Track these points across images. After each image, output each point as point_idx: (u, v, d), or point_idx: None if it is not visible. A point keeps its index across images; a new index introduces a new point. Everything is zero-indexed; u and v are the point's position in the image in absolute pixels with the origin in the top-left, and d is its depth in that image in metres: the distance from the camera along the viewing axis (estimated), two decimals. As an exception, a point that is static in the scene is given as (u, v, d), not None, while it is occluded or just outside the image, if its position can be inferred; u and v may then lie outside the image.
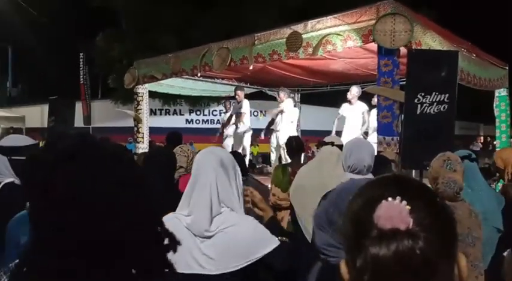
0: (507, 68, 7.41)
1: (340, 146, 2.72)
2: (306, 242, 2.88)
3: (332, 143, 3.08)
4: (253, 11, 13.21)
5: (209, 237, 1.57)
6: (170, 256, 0.80)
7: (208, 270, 1.55)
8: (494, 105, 7.49)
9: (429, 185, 2.31)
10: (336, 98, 9.19)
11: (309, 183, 2.87)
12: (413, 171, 4.90)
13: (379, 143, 4.38)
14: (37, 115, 14.90)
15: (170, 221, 1.63)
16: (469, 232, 2.24)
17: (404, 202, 0.60)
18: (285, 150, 4.22)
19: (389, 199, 0.61)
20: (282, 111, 7.25)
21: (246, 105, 7.78)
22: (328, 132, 7.09)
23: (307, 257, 2.77)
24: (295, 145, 3.81)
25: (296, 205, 3.08)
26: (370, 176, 2.23)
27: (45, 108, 10.67)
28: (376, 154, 2.75)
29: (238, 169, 1.68)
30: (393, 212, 0.59)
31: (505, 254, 2.45)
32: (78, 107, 13.84)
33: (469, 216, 2.26)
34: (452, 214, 0.65)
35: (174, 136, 5.21)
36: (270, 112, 7.72)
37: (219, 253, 1.55)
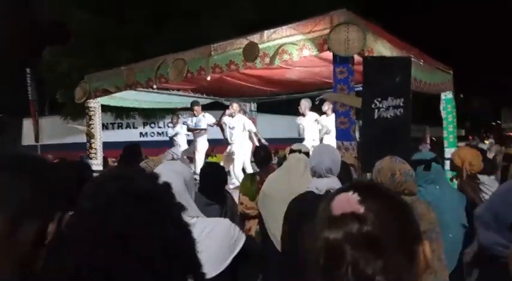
0: (451, 72, 7.86)
1: (308, 154, 2.76)
2: (274, 250, 2.87)
3: (299, 151, 3.11)
4: (207, 24, 13.20)
5: None
6: None
7: None
8: (441, 107, 7.89)
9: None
10: (293, 107, 9.34)
11: (276, 191, 2.88)
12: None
13: (338, 148, 4.45)
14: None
15: None
16: (432, 227, 2.33)
17: (355, 194, 0.70)
18: (253, 159, 4.25)
19: (343, 192, 0.72)
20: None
21: (205, 121, 7.90)
22: (286, 140, 7.35)
23: (276, 265, 2.77)
24: (263, 154, 3.82)
25: (264, 213, 3.07)
26: (332, 178, 2.28)
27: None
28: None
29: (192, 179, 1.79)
30: (343, 201, 0.70)
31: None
32: (28, 123, 13.21)
33: (428, 212, 2.35)
34: (404, 203, 0.75)
35: (132, 150, 5.01)
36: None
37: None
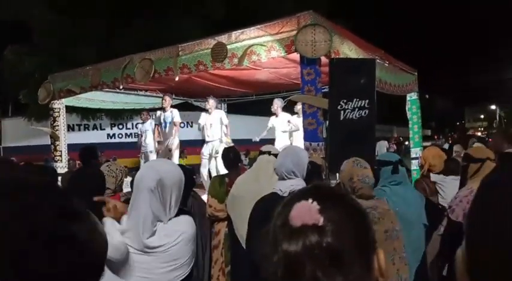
0: (416, 73, 8.07)
1: (277, 155, 2.77)
2: (243, 251, 2.87)
3: (269, 152, 3.11)
4: (177, 23, 13.04)
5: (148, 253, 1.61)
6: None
7: None
8: (407, 108, 8.09)
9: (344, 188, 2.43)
10: (262, 107, 9.37)
11: (245, 192, 2.86)
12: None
13: (306, 149, 4.50)
14: None
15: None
16: (393, 226, 2.38)
17: (315, 203, 0.67)
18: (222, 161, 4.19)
19: (302, 201, 0.68)
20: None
21: (177, 113, 7.72)
22: (255, 142, 7.36)
23: (245, 267, 2.76)
24: (232, 156, 3.79)
25: (233, 215, 3.06)
26: (297, 180, 2.29)
27: None
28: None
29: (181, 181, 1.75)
30: (303, 211, 0.67)
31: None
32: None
33: (389, 211, 2.40)
34: (362, 212, 0.73)
35: (88, 152, 4.91)
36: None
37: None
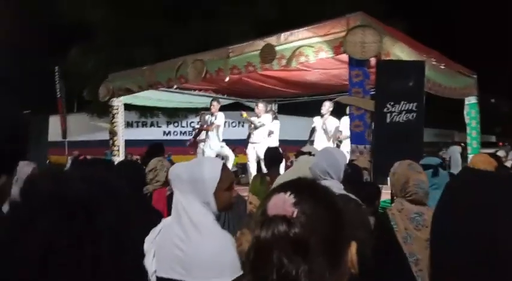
0: (475, 76, 7.67)
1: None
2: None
3: (309, 153, 3.13)
4: (226, 23, 13.30)
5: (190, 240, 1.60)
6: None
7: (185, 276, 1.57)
8: (465, 112, 7.73)
9: (393, 192, 2.38)
10: (313, 108, 9.31)
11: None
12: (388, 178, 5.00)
13: (352, 151, 4.46)
14: (10, 130, 14.53)
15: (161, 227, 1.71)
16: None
17: (291, 196, 0.73)
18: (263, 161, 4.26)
19: (281, 193, 0.74)
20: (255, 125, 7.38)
21: (220, 117, 7.77)
22: (307, 142, 7.30)
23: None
24: (273, 156, 3.85)
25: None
26: (331, 181, 2.29)
27: (19, 123, 10.45)
28: (347, 162, 2.81)
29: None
30: (278, 203, 0.72)
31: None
32: (56, 121, 13.61)
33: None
34: (339, 207, 0.77)
35: (156, 148, 5.18)
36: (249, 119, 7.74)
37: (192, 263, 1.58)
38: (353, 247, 0.76)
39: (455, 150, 14.21)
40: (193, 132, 8.57)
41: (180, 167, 1.73)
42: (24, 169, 2.48)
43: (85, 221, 0.62)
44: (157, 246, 1.68)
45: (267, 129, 7.49)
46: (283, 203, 0.72)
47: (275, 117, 8.01)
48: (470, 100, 7.65)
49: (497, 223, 0.63)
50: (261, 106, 7.49)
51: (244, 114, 7.57)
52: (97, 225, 0.63)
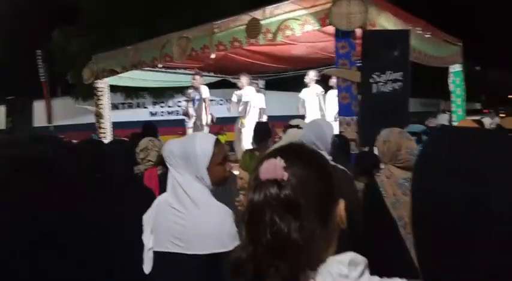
0: (460, 44, 7.71)
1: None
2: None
3: (297, 126, 3.15)
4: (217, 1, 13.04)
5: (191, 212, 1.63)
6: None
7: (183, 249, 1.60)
8: (449, 80, 7.80)
9: (382, 159, 2.43)
10: (300, 83, 9.30)
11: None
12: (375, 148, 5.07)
13: (340, 123, 4.50)
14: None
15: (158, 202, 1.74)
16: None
17: (282, 160, 0.77)
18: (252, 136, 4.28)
19: (272, 158, 0.78)
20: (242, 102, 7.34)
21: (205, 90, 7.70)
22: (294, 117, 7.30)
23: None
24: (262, 130, 3.86)
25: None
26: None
27: (2, 109, 10.31)
28: (336, 133, 2.84)
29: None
30: (270, 167, 0.76)
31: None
32: (41, 105, 13.38)
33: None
34: (327, 168, 0.83)
35: (149, 129, 5.16)
36: (231, 106, 7.71)
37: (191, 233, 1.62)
38: (341, 204, 0.81)
39: (443, 118, 14.34)
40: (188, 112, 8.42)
41: (173, 144, 1.75)
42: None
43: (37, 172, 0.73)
44: (154, 223, 1.71)
45: (257, 110, 7.44)
46: (274, 168, 0.76)
47: (258, 91, 7.98)
48: (455, 68, 7.72)
49: (487, 182, 0.63)
50: (244, 79, 7.44)
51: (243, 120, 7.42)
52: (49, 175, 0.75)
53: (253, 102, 7.37)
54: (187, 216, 1.62)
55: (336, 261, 0.74)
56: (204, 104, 7.65)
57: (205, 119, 7.68)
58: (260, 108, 7.50)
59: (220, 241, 1.56)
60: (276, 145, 3.43)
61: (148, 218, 1.73)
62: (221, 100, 13.42)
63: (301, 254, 0.71)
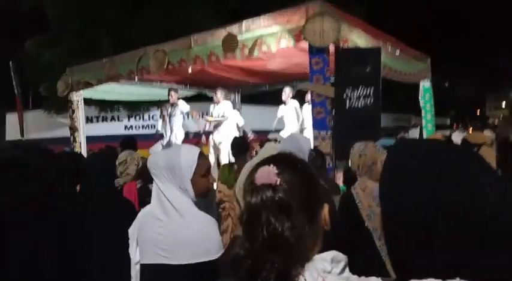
0: (429, 60, 8.02)
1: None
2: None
3: (275, 140, 3.21)
4: (188, 8, 13.11)
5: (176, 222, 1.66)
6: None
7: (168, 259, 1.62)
8: (420, 96, 8.07)
9: (356, 171, 2.52)
10: (276, 97, 9.43)
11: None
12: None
13: (315, 137, 4.59)
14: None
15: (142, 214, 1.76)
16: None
17: (274, 168, 0.89)
18: (230, 150, 4.33)
19: (266, 166, 0.90)
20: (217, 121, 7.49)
21: (184, 104, 7.86)
22: (270, 131, 7.47)
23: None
24: (240, 144, 3.92)
25: (242, 201, 3.18)
26: None
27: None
28: (312, 147, 2.92)
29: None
30: (264, 173, 0.88)
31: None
32: (13, 118, 13.02)
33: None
34: (313, 176, 0.94)
35: (129, 142, 5.15)
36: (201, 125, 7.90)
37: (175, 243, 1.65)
38: (325, 208, 0.92)
39: (415, 132, 14.78)
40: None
41: (158, 155, 1.78)
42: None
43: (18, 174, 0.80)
44: (139, 235, 1.72)
45: (233, 125, 7.59)
46: (268, 174, 0.87)
47: (233, 108, 8.13)
48: (425, 84, 8.00)
49: (442, 185, 0.72)
50: (219, 93, 7.60)
51: (209, 118, 7.65)
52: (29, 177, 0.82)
53: (231, 118, 7.52)
54: (173, 226, 1.65)
55: (321, 258, 0.84)
56: (188, 118, 7.78)
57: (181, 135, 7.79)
58: (237, 124, 7.63)
59: (206, 249, 1.59)
60: (254, 159, 3.49)
61: (133, 231, 1.75)
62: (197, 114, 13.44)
63: (293, 251, 0.81)
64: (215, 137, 7.55)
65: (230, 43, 5.30)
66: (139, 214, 1.78)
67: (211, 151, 7.64)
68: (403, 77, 6.69)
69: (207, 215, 1.71)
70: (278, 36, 4.97)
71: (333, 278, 0.81)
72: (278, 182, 0.86)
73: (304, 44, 4.90)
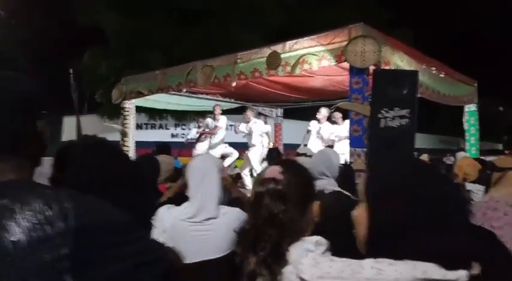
0: (476, 85, 7.91)
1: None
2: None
3: (305, 154, 3.39)
4: (236, 29, 13.63)
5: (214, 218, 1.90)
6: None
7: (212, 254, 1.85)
8: (464, 120, 7.96)
9: None
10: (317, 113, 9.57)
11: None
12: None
13: (351, 154, 4.72)
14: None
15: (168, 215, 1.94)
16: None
17: (280, 168, 1.19)
18: (264, 162, 4.56)
19: (273, 166, 1.18)
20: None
21: (223, 120, 8.37)
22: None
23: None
24: (275, 156, 4.13)
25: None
26: (327, 180, 2.56)
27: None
28: (340, 161, 3.07)
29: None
30: (271, 170, 1.18)
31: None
32: (70, 121, 13.99)
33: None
34: (309, 178, 1.24)
35: (163, 148, 5.49)
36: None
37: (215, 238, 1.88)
38: (315, 204, 1.20)
39: (460, 156, 14.39)
40: (197, 134, 9.03)
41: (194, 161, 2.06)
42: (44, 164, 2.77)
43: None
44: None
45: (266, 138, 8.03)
46: (274, 171, 1.16)
47: (265, 123, 8.73)
48: (470, 108, 7.89)
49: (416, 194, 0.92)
50: (249, 114, 8.30)
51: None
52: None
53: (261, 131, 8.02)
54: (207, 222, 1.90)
55: (306, 240, 1.06)
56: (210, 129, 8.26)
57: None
58: (266, 132, 8.03)
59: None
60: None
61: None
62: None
63: (285, 228, 1.07)
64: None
65: (273, 60, 5.55)
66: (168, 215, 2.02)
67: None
68: (447, 99, 6.67)
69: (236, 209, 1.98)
70: (320, 55, 5.16)
71: (314, 256, 1.00)
72: (281, 178, 1.13)
73: (346, 64, 5.07)
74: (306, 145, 7.24)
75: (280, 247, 1.04)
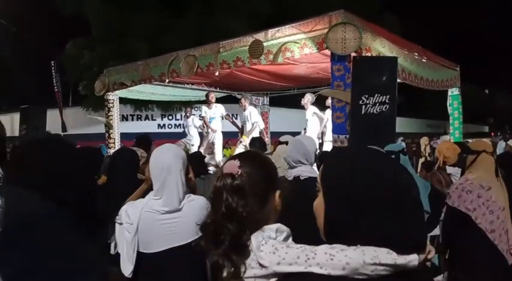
0: (458, 69, 7.97)
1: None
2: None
3: (286, 143, 3.40)
4: (223, 18, 13.51)
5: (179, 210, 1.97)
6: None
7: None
8: (448, 103, 8.04)
9: None
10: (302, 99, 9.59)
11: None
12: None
13: (334, 141, 4.75)
14: (6, 124, 14.71)
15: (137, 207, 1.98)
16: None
17: (238, 161, 1.17)
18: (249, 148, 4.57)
19: (232, 160, 1.18)
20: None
21: (221, 108, 8.41)
22: (298, 134, 7.72)
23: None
24: (257, 145, 4.13)
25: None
26: (304, 167, 2.58)
27: (16, 116, 10.70)
28: (317, 147, 3.09)
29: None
30: (229, 165, 1.16)
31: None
32: (53, 114, 13.82)
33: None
34: (270, 166, 1.25)
35: (143, 140, 5.42)
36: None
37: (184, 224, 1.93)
38: (277, 193, 1.20)
39: (445, 139, 14.57)
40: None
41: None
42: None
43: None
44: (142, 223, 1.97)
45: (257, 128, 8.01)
46: (231, 166, 1.16)
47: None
48: (453, 91, 7.97)
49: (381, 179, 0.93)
50: (243, 101, 8.31)
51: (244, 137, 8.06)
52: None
53: (259, 122, 7.97)
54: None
55: (268, 228, 1.09)
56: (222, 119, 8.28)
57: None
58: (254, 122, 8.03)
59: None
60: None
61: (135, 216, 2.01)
62: (227, 115, 13.82)
63: (244, 222, 1.07)
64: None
65: (256, 49, 5.52)
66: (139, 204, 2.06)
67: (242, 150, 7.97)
68: (430, 84, 6.71)
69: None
70: (302, 43, 5.15)
71: (273, 243, 1.02)
72: (238, 173, 1.13)
73: (328, 51, 5.06)
74: (305, 130, 7.34)
75: (240, 240, 1.06)
